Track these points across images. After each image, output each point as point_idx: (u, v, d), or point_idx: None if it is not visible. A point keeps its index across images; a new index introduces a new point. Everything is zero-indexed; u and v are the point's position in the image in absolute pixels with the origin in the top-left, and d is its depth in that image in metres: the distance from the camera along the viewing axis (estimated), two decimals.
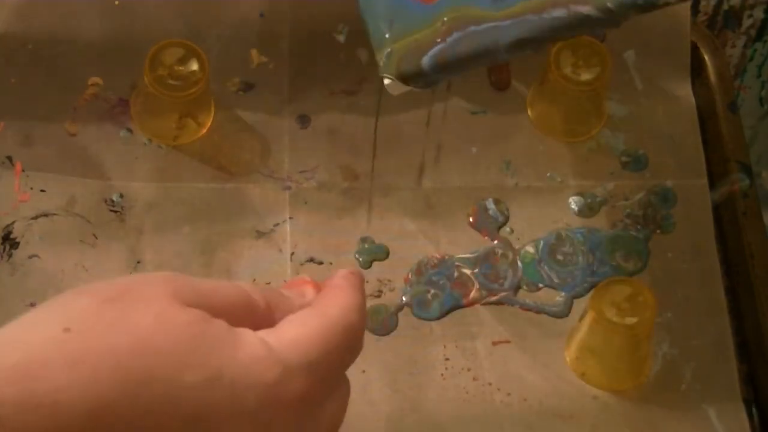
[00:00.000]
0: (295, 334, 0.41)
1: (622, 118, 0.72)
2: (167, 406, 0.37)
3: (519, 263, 0.68)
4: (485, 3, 0.53)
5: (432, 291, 0.66)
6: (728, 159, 0.71)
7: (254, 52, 0.70)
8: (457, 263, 0.67)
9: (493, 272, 0.67)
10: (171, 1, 0.69)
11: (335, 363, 0.42)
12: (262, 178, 0.69)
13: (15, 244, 0.65)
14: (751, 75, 0.85)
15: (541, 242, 0.68)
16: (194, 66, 0.65)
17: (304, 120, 0.70)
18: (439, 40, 0.53)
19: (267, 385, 0.39)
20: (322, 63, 0.71)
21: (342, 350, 0.42)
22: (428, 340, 0.65)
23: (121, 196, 0.67)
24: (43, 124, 0.68)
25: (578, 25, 0.53)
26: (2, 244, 0.65)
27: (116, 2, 0.68)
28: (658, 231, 0.69)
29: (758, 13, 0.81)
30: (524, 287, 0.67)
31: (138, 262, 0.65)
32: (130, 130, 0.69)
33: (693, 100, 0.72)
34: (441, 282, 0.67)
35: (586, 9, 0.52)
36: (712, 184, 0.71)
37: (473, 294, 0.66)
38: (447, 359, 0.65)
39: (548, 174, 0.70)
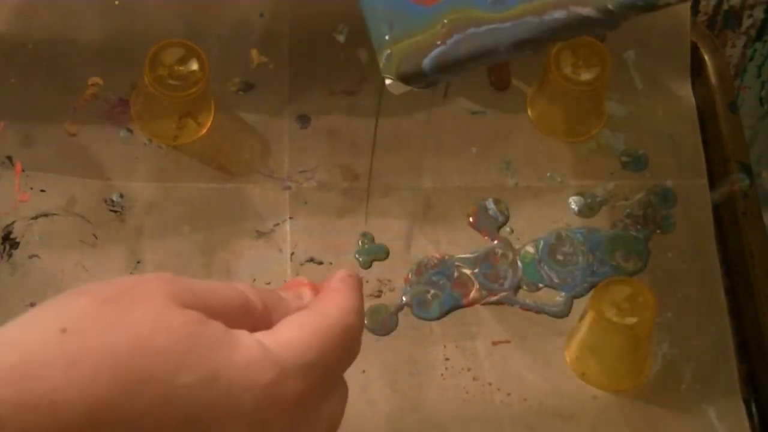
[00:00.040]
0: (292, 336, 0.41)
1: (622, 118, 0.72)
2: (165, 406, 0.37)
3: (519, 263, 0.68)
4: (485, 5, 0.53)
5: (432, 291, 0.66)
6: (728, 159, 0.71)
7: (254, 52, 0.70)
8: (457, 263, 0.67)
9: (493, 272, 0.67)
10: (171, 1, 0.69)
11: (332, 365, 0.42)
12: (262, 178, 0.69)
13: (15, 244, 0.65)
14: (751, 75, 0.85)
15: (541, 242, 0.68)
16: (194, 66, 0.65)
17: (304, 120, 0.70)
18: (439, 42, 0.53)
19: (263, 387, 0.39)
20: (322, 63, 0.71)
21: (339, 352, 0.42)
22: (428, 340, 0.65)
23: (121, 196, 0.67)
24: (43, 124, 0.68)
25: (578, 26, 0.53)
26: (2, 244, 0.65)
27: (116, 2, 0.68)
28: (658, 231, 0.69)
29: (758, 13, 0.81)
30: (524, 287, 0.67)
31: (138, 262, 0.65)
32: (130, 130, 0.69)
33: (693, 100, 0.72)
34: (441, 282, 0.67)
35: (586, 10, 0.53)
36: (712, 184, 0.71)
37: (473, 294, 0.67)
38: (447, 359, 0.65)
39: (548, 174, 0.70)
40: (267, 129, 0.70)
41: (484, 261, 0.67)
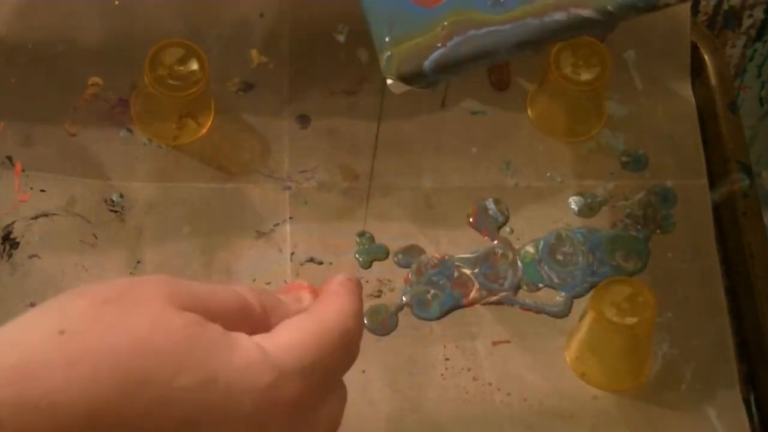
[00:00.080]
0: (291, 339, 0.41)
1: (622, 118, 0.72)
2: (163, 407, 0.37)
3: (519, 263, 0.68)
4: (485, 7, 0.53)
5: (432, 291, 0.66)
6: (728, 159, 0.71)
7: (254, 52, 0.70)
8: (457, 263, 0.67)
9: (493, 272, 0.67)
10: (171, 1, 0.69)
11: (331, 368, 0.42)
12: (262, 178, 0.69)
13: (15, 244, 0.65)
14: (751, 75, 0.85)
15: (541, 242, 0.68)
16: (194, 66, 0.65)
17: (304, 120, 0.70)
18: (439, 44, 0.53)
19: (262, 390, 0.39)
20: (322, 63, 0.71)
21: (338, 356, 0.42)
22: (428, 340, 0.65)
23: (121, 196, 0.67)
24: (43, 124, 0.67)
25: (578, 27, 0.53)
26: (2, 244, 0.65)
27: (116, 2, 0.68)
28: (658, 231, 0.69)
29: (758, 13, 0.81)
30: (524, 287, 0.67)
31: (138, 262, 0.65)
32: (130, 130, 0.69)
33: (693, 100, 0.72)
34: (441, 282, 0.67)
35: (586, 12, 0.53)
36: (712, 184, 0.71)
37: (473, 294, 0.67)
38: (447, 359, 0.65)
39: (548, 174, 0.70)
40: (267, 129, 0.70)
41: (484, 261, 0.67)
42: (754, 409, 0.65)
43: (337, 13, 0.70)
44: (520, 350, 0.65)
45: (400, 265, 0.67)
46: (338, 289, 0.45)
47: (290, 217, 0.68)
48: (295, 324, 0.42)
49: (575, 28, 0.53)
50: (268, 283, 0.66)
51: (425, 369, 0.64)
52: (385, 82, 0.54)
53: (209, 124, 0.69)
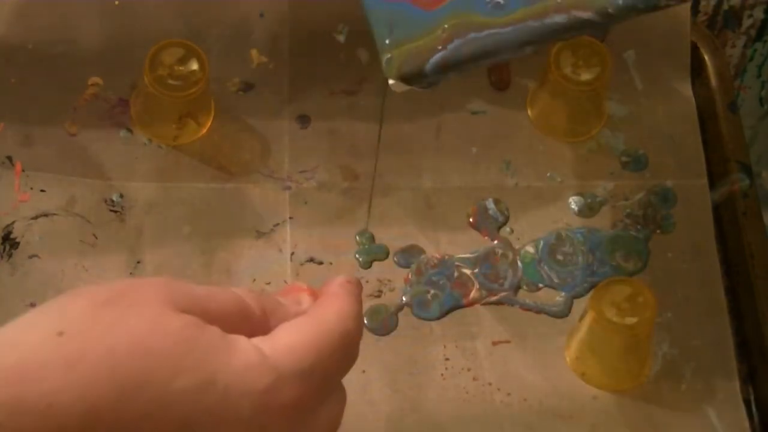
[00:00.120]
0: (290, 342, 0.41)
1: (622, 118, 0.72)
2: (162, 410, 0.37)
3: (519, 263, 0.68)
4: (486, 9, 0.53)
5: (432, 291, 0.66)
6: (728, 159, 0.71)
7: (254, 52, 0.70)
8: (457, 263, 0.67)
9: (493, 272, 0.67)
10: (171, 1, 0.69)
11: (330, 371, 0.42)
12: (262, 178, 0.69)
13: (15, 244, 0.65)
14: (751, 75, 0.85)
15: (541, 242, 0.68)
16: (194, 66, 0.65)
17: (304, 120, 0.70)
18: (440, 47, 0.53)
19: (260, 392, 0.39)
20: (322, 63, 0.71)
21: (337, 358, 0.42)
22: (428, 340, 0.65)
23: (121, 196, 0.67)
24: (43, 124, 0.67)
25: (578, 28, 0.53)
26: (2, 244, 0.65)
27: (116, 2, 0.68)
28: (658, 231, 0.69)
29: (758, 13, 0.81)
30: (524, 287, 0.67)
31: (138, 262, 0.65)
32: (130, 130, 0.69)
33: (693, 100, 0.72)
34: (441, 282, 0.67)
35: (587, 14, 0.53)
36: (712, 184, 0.71)
37: (473, 294, 0.67)
38: (447, 359, 0.65)
39: (548, 174, 0.70)
40: (267, 129, 0.70)
41: (484, 261, 0.67)
42: (754, 408, 0.65)
43: (337, 13, 0.70)
44: (520, 350, 0.65)
45: (400, 265, 0.67)
46: (338, 291, 0.45)
47: (290, 217, 0.68)
48: (295, 326, 0.42)
49: (575, 28, 0.53)
50: (268, 284, 0.66)
51: (425, 369, 0.64)
52: (387, 82, 0.55)
53: (209, 124, 0.69)
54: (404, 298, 0.66)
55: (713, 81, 0.73)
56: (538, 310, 0.66)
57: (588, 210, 0.69)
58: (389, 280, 0.67)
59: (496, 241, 0.68)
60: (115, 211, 0.67)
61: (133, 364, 0.36)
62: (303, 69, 0.70)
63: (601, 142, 0.71)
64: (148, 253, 0.66)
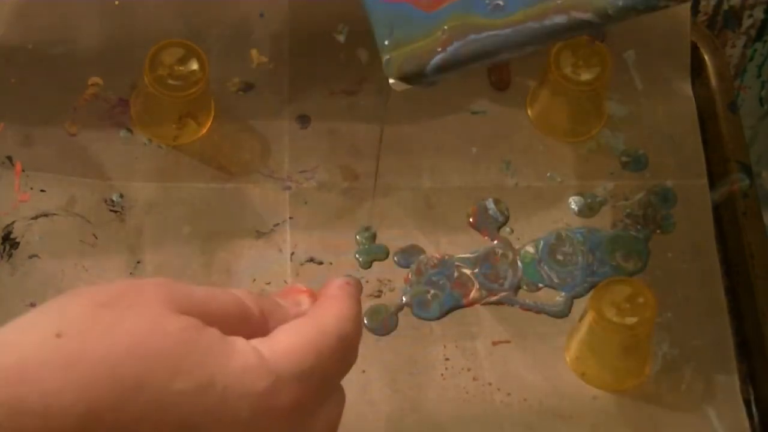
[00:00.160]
0: (289, 344, 0.41)
1: (622, 118, 0.72)
2: (160, 411, 0.37)
3: (519, 263, 0.68)
4: (486, 11, 0.53)
5: (432, 291, 0.66)
6: (728, 159, 0.71)
7: (254, 52, 0.70)
8: (457, 263, 0.67)
9: (493, 272, 0.67)
10: (171, 1, 0.69)
11: (329, 373, 0.42)
12: (262, 178, 0.69)
13: (15, 244, 0.65)
14: (751, 75, 0.85)
15: (541, 242, 0.68)
16: (194, 66, 0.65)
17: (304, 120, 0.70)
18: (439, 49, 0.53)
19: (259, 395, 0.39)
20: (322, 63, 0.71)
21: (336, 360, 0.42)
22: (428, 340, 0.65)
23: (121, 196, 0.67)
24: (43, 124, 0.68)
25: (577, 28, 0.53)
26: (2, 244, 0.65)
27: (116, 2, 0.68)
28: (658, 231, 0.69)
29: (758, 13, 0.81)
30: (524, 287, 0.67)
31: (138, 263, 0.65)
32: (130, 130, 0.69)
33: (693, 100, 0.72)
34: (441, 282, 0.67)
35: (586, 15, 0.53)
36: (712, 184, 0.71)
37: (473, 294, 0.67)
38: (447, 359, 0.65)
39: (548, 174, 0.70)
40: (267, 129, 0.70)
41: (484, 261, 0.67)
42: (754, 409, 0.65)
43: (337, 13, 0.70)
44: (520, 350, 0.65)
45: (400, 265, 0.67)
46: (337, 293, 0.45)
47: (290, 217, 0.68)
48: (294, 328, 0.42)
49: (574, 29, 0.53)
50: (268, 284, 0.66)
51: (425, 369, 0.64)
52: (388, 81, 0.55)
53: (209, 124, 0.69)
54: (404, 298, 0.66)
55: (713, 81, 0.73)
56: (538, 310, 0.66)
57: (588, 210, 0.69)
58: (389, 280, 0.67)
59: (496, 241, 0.68)
60: (115, 211, 0.67)
61: (132, 365, 0.37)
62: (303, 69, 0.70)
63: (601, 142, 0.71)
64: (148, 253, 0.66)
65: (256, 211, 0.68)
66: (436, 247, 0.68)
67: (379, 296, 0.66)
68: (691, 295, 0.67)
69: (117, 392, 0.36)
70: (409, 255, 0.67)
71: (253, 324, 0.42)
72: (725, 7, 0.80)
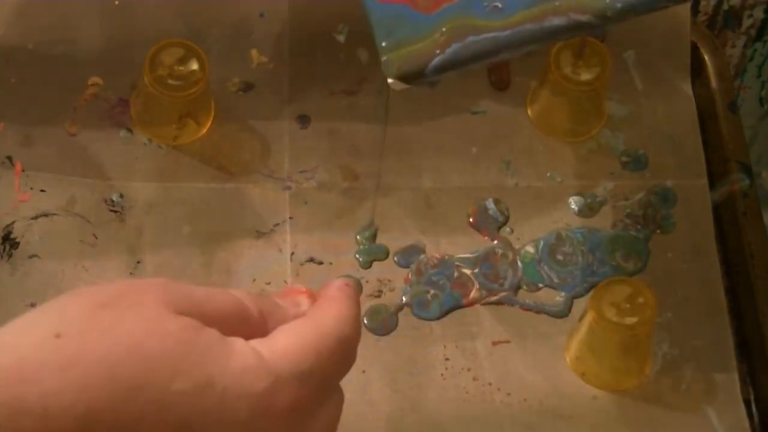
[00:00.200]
0: (288, 344, 0.41)
1: (622, 118, 0.72)
2: (159, 412, 0.37)
3: (519, 263, 0.68)
4: (484, 13, 0.53)
5: (432, 291, 0.66)
6: (728, 159, 0.71)
7: (254, 52, 0.70)
8: (457, 263, 0.67)
9: (493, 272, 0.67)
10: (171, 1, 0.69)
11: (328, 374, 0.42)
12: (262, 178, 0.69)
13: (15, 244, 0.65)
14: (751, 75, 0.85)
15: (541, 242, 0.68)
16: (194, 66, 0.65)
17: (304, 120, 0.70)
18: (438, 51, 0.53)
19: (258, 395, 0.39)
20: (322, 63, 0.71)
21: (335, 361, 0.42)
22: (428, 340, 0.65)
23: (121, 196, 0.67)
24: (43, 124, 0.68)
25: (576, 29, 0.53)
26: (2, 244, 0.65)
27: (116, 2, 0.68)
28: (658, 231, 0.69)
29: (758, 13, 0.81)
30: (524, 287, 0.67)
31: (138, 263, 0.65)
32: (130, 130, 0.69)
33: (693, 100, 0.72)
34: (441, 282, 0.67)
35: (585, 17, 0.53)
36: (712, 184, 0.71)
37: (473, 294, 0.67)
38: (447, 359, 0.65)
39: (548, 174, 0.70)
40: (267, 129, 0.70)
41: (484, 261, 0.67)
42: (754, 409, 0.65)
43: (337, 13, 0.70)
44: (520, 350, 0.65)
45: (400, 265, 0.67)
46: (336, 294, 0.45)
47: (290, 217, 0.68)
48: (293, 329, 0.42)
49: (573, 30, 0.53)
50: (268, 284, 0.66)
51: (425, 369, 0.64)
52: (387, 81, 0.55)
53: (209, 124, 0.69)
54: (404, 298, 0.66)
55: (713, 81, 0.73)
56: (538, 310, 0.66)
57: (588, 210, 0.69)
58: (389, 280, 0.67)
59: (496, 241, 0.68)
60: (115, 211, 0.67)
61: (131, 365, 0.37)
62: (303, 69, 0.70)
63: (601, 142, 0.71)
64: (148, 253, 0.66)
65: (256, 211, 0.68)
66: (436, 247, 0.68)
67: (379, 296, 0.66)
68: (691, 295, 0.67)
69: (116, 392, 0.36)
70: (409, 255, 0.67)
71: (252, 324, 0.42)
72: (725, 7, 0.80)
